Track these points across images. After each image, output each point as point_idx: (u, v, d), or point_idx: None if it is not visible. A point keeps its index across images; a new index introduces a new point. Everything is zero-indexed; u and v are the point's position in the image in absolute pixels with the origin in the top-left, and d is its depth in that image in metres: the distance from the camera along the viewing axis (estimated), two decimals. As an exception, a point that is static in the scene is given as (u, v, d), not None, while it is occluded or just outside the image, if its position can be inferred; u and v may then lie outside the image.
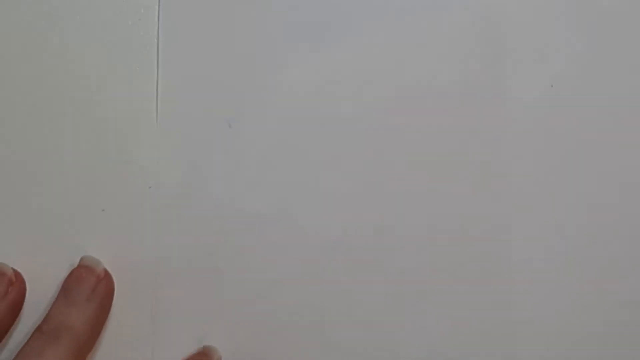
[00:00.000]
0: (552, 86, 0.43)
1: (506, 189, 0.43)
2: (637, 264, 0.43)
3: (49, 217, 0.41)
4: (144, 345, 0.41)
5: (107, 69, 0.41)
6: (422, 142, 0.42)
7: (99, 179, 0.41)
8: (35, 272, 0.40)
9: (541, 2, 0.43)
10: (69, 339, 0.38)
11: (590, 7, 0.43)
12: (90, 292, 0.39)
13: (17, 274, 0.40)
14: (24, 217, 0.41)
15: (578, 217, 0.43)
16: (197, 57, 0.42)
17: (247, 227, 0.42)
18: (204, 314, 0.41)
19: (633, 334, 0.43)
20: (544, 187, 0.43)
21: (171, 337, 0.41)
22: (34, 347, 0.37)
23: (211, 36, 0.42)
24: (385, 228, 0.42)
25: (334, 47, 0.42)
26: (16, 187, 0.41)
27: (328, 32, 0.42)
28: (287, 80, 0.42)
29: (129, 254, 0.41)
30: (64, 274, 0.40)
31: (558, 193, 0.43)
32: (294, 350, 0.42)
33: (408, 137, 0.42)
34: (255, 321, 0.42)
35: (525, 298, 0.43)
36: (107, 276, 0.40)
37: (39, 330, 0.38)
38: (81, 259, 0.40)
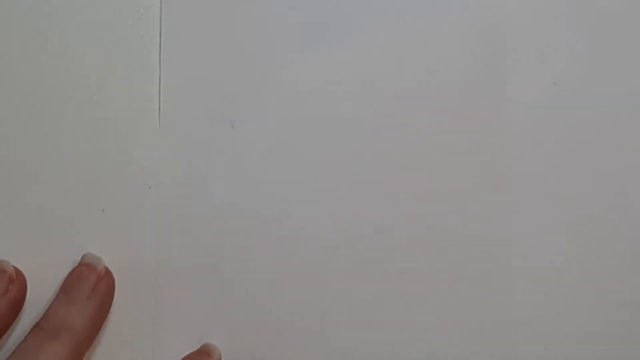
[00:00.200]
0: (554, 83, 0.43)
1: (506, 189, 0.43)
2: (637, 264, 0.43)
3: (49, 217, 0.41)
4: (144, 344, 0.41)
5: (107, 69, 0.41)
6: (422, 142, 0.42)
7: (99, 179, 0.41)
8: (36, 272, 0.40)
9: (541, 2, 0.43)
10: (68, 336, 0.38)
11: (590, 7, 0.43)
12: (90, 290, 0.39)
13: (18, 272, 0.40)
14: (24, 217, 0.41)
15: (578, 217, 0.43)
16: (199, 57, 0.42)
17: (247, 227, 0.42)
18: (204, 314, 0.41)
19: (633, 334, 0.43)
20: (544, 187, 0.43)
21: (171, 336, 0.41)
22: (33, 343, 0.38)
23: (212, 36, 0.42)
24: (385, 228, 0.42)
25: (335, 47, 0.42)
26: (16, 187, 0.41)
27: (328, 32, 0.42)
28: (288, 80, 0.42)
29: (129, 254, 0.41)
30: (64, 273, 0.40)
31: (558, 193, 0.43)
32: (294, 350, 0.42)
33: (408, 137, 0.42)
34: (255, 321, 0.42)
35: (525, 298, 0.43)
36: (108, 274, 0.40)
37: (37, 327, 0.38)
38: (82, 257, 0.40)
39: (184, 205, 0.41)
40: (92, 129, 0.41)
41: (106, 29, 0.41)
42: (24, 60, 0.41)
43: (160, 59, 0.42)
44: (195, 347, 0.41)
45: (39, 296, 0.40)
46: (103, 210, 0.41)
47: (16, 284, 0.39)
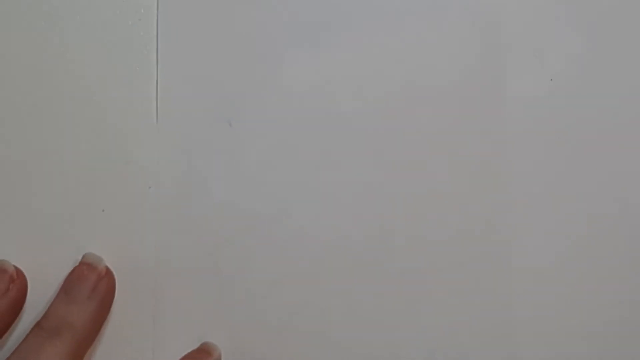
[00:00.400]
0: (551, 80, 0.43)
1: (506, 189, 0.43)
2: (637, 264, 0.43)
3: (49, 217, 0.41)
4: (144, 344, 0.41)
5: (107, 69, 0.41)
6: (422, 142, 0.42)
7: (99, 179, 0.41)
8: (36, 272, 0.40)
9: (541, 2, 0.43)
10: (68, 336, 0.38)
11: (590, 7, 0.43)
12: (91, 290, 0.39)
13: (18, 272, 0.40)
14: (24, 217, 0.41)
15: (578, 216, 0.43)
16: (197, 56, 0.42)
17: (247, 227, 0.42)
18: (204, 314, 0.41)
19: (633, 333, 0.43)
20: (544, 187, 0.43)
21: (171, 336, 0.41)
22: (33, 343, 0.38)
23: (211, 36, 0.42)
24: (385, 228, 0.42)
25: (334, 47, 0.42)
26: (16, 187, 0.41)
27: (328, 32, 0.42)
28: (287, 80, 0.42)
29: (129, 254, 0.41)
30: (64, 273, 0.40)
31: (558, 192, 0.43)
32: (294, 350, 0.42)
33: (408, 137, 0.42)
34: (255, 321, 0.42)
35: (526, 298, 0.43)
36: (108, 274, 0.40)
37: (38, 326, 0.38)
38: (83, 257, 0.40)
39: (184, 205, 0.41)
40: (91, 129, 0.41)
41: (106, 29, 0.41)
42: (24, 60, 0.41)
43: (157, 59, 0.42)
44: (195, 347, 0.41)
45: (39, 296, 0.40)
46: (103, 210, 0.41)
47: (17, 283, 0.39)
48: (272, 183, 0.42)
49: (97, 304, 0.39)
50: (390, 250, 0.42)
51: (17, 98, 0.41)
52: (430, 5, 0.43)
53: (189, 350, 0.41)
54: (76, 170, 0.41)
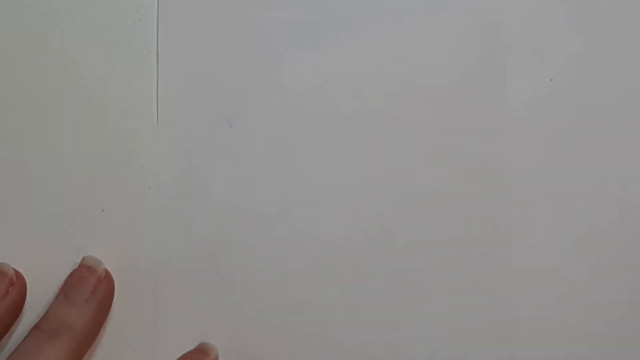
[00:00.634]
0: (552, 80, 0.43)
1: (506, 188, 0.43)
2: (637, 264, 0.43)
3: (49, 217, 0.41)
4: (144, 345, 0.41)
5: (107, 69, 0.41)
6: (422, 142, 0.42)
7: (99, 179, 0.41)
8: (36, 273, 0.40)
9: (541, 2, 0.43)
10: (67, 338, 0.38)
11: (590, 7, 0.43)
12: (90, 292, 0.39)
13: (18, 274, 0.40)
14: (24, 217, 0.41)
15: (578, 216, 0.43)
16: (197, 56, 0.42)
17: (247, 227, 0.42)
18: (204, 314, 0.41)
19: (633, 333, 0.43)
20: (544, 187, 0.43)
21: (171, 336, 0.41)
22: (32, 344, 0.38)
23: (211, 36, 0.42)
24: (385, 228, 0.42)
25: (334, 47, 0.42)
26: (16, 187, 0.41)
27: (328, 32, 0.42)
28: (287, 80, 0.42)
29: (129, 254, 0.41)
30: (64, 274, 0.40)
31: (558, 192, 0.43)
32: (294, 350, 0.42)
33: (408, 137, 0.42)
34: (255, 321, 0.42)
35: (526, 298, 0.43)
36: (107, 277, 0.40)
37: (37, 328, 0.38)
38: (83, 259, 0.40)
39: (184, 205, 0.41)
40: (91, 129, 0.41)
41: (106, 29, 0.41)
42: (24, 60, 0.41)
43: (157, 59, 0.42)
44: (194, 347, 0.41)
45: (38, 297, 0.40)
46: (103, 210, 0.41)
47: (16, 286, 0.39)
48: (272, 183, 0.42)
49: (96, 306, 0.39)
50: (390, 250, 0.42)
51: (17, 98, 0.41)
52: (430, 5, 0.43)
53: (189, 349, 0.41)
54: (76, 170, 0.41)
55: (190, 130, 0.42)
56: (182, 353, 0.41)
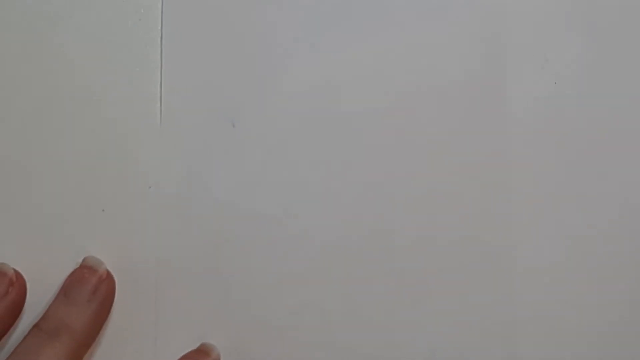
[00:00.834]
0: (555, 83, 0.43)
1: (508, 190, 0.43)
2: (638, 265, 0.43)
3: (49, 217, 0.41)
4: (145, 345, 0.41)
5: (108, 70, 0.41)
6: (423, 142, 0.42)
7: (99, 179, 0.41)
8: (35, 273, 0.40)
9: (545, 4, 0.43)
10: (67, 338, 0.38)
11: (592, 8, 0.43)
12: (91, 293, 0.39)
13: (17, 275, 0.40)
14: (24, 217, 0.41)
15: (580, 217, 0.43)
16: (201, 57, 0.42)
17: (248, 227, 0.42)
18: (204, 314, 0.41)
19: (633, 333, 0.43)
20: (547, 188, 0.43)
21: (172, 336, 0.41)
22: (32, 344, 0.38)
23: (214, 36, 0.42)
24: (386, 228, 0.42)
25: (337, 47, 0.42)
26: (16, 187, 0.41)
27: (331, 33, 0.42)
28: (290, 80, 0.42)
29: (129, 254, 0.41)
30: (64, 274, 0.40)
31: (560, 193, 0.43)
32: (294, 350, 0.42)
33: (409, 137, 0.42)
34: (255, 321, 0.42)
35: (526, 298, 0.43)
36: (108, 277, 0.40)
37: (37, 327, 0.38)
38: (84, 260, 0.40)
39: (184, 205, 0.41)
40: (92, 129, 0.41)
41: (107, 29, 0.41)
42: (24, 60, 0.41)
43: (161, 59, 0.42)
44: (195, 347, 0.41)
45: (38, 297, 0.40)
46: (103, 210, 0.41)
47: (16, 286, 0.39)
48: (273, 183, 0.42)
49: (96, 307, 0.39)
50: (390, 250, 0.42)
51: (18, 98, 0.41)
52: (432, 6, 0.43)
53: (190, 350, 0.41)
54: (76, 170, 0.41)
55: (192, 130, 0.42)
56: (183, 353, 0.41)
